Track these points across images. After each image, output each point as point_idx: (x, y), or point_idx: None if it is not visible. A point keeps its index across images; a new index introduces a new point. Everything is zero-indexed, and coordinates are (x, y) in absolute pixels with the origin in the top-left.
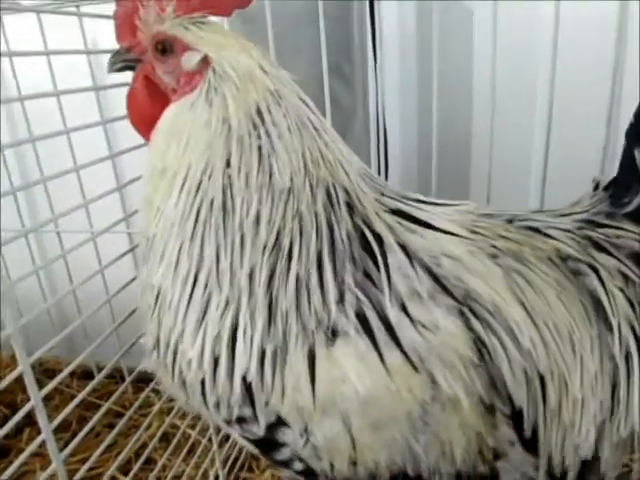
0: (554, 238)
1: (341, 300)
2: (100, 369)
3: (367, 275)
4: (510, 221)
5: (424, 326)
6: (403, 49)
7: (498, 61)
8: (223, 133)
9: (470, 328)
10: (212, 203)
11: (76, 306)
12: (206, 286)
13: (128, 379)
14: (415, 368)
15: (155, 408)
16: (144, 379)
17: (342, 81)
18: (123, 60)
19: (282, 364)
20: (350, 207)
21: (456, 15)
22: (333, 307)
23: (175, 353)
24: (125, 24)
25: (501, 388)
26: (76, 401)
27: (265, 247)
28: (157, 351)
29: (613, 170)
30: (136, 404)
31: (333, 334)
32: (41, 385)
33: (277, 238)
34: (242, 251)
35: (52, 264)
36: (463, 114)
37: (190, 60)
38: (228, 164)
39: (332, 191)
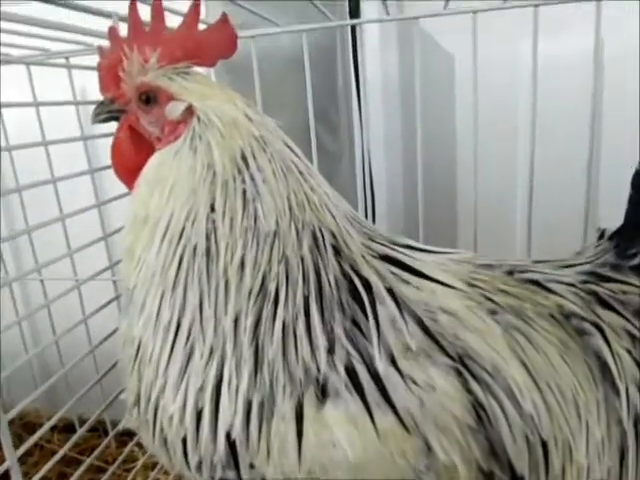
0: (556, 293)
1: (330, 352)
2: (82, 422)
3: (356, 324)
4: (510, 273)
5: (419, 386)
6: (387, 94)
7: (479, 105)
8: (207, 179)
9: (468, 390)
10: (195, 249)
11: (59, 357)
12: (189, 335)
13: (111, 433)
14: (409, 432)
15: (139, 463)
16: (128, 433)
17: (328, 127)
18: (107, 111)
19: (269, 417)
20: (337, 251)
21: (438, 60)
22: (322, 357)
23: (156, 409)
24: (109, 75)
25: (501, 454)
26: (57, 457)
27: (250, 292)
28: (138, 408)
29: (596, 216)
30: (119, 459)
31: (323, 393)
32: (20, 440)
33: (263, 283)
34: (227, 297)
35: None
36: (447, 158)
37: (174, 110)
38: (212, 209)
39: (318, 234)
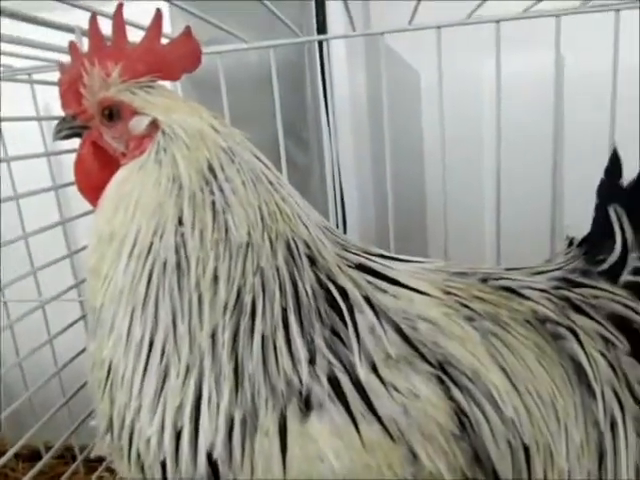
0: (531, 299)
1: (312, 362)
2: (49, 449)
3: (335, 333)
4: (484, 280)
5: (402, 394)
6: (355, 109)
7: (446, 119)
8: (173, 192)
9: (450, 397)
10: (165, 264)
11: (23, 380)
12: (163, 354)
13: (80, 458)
14: (394, 441)
15: None
16: (97, 458)
17: (297, 142)
18: (69, 127)
19: (252, 433)
20: (312, 261)
21: (404, 75)
22: (304, 368)
23: (131, 433)
24: (70, 91)
25: (485, 461)
26: None
27: (226, 306)
28: (111, 434)
29: (562, 224)
30: None
31: (306, 405)
32: None
33: (238, 296)
34: (201, 312)
35: None
36: (416, 171)
37: (138, 124)
38: (180, 222)
39: (292, 245)
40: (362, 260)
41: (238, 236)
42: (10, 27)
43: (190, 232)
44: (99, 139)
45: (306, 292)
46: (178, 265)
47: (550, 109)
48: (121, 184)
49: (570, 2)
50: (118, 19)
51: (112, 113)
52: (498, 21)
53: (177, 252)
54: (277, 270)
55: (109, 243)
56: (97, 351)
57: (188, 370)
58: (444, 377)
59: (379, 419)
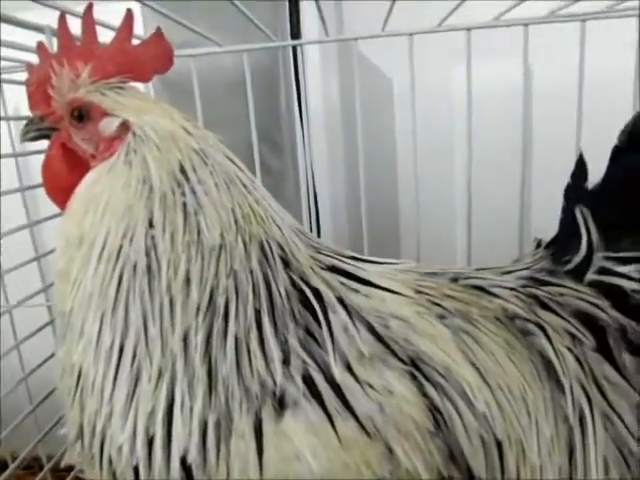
0: (500, 297)
1: (286, 362)
2: (15, 459)
3: (310, 333)
4: (454, 280)
5: (376, 390)
6: (328, 114)
7: (418, 126)
8: (143, 194)
9: (424, 394)
10: (135, 267)
11: None
12: (134, 358)
13: (46, 467)
14: (370, 438)
15: None
16: (66, 467)
17: (271, 146)
18: (37, 129)
19: (227, 436)
20: (285, 263)
21: (377, 82)
22: (277, 369)
23: (102, 441)
24: (38, 92)
25: (459, 458)
26: None
27: (199, 308)
28: (81, 442)
29: (530, 229)
30: None
31: (280, 405)
32: None
33: (211, 298)
34: (172, 315)
35: None
36: (389, 177)
37: (108, 126)
38: (150, 225)
39: (266, 246)
40: (335, 262)
41: (211, 238)
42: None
43: (161, 234)
44: (68, 141)
45: (279, 293)
46: (149, 268)
47: (519, 116)
48: (90, 186)
49: (540, 11)
50: (88, 19)
51: (82, 114)
52: (469, 29)
53: (148, 255)
54: (251, 272)
55: (78, 246)
56: (66, 357)
57: (160, 374)
58: (417, 373)
59: (355, 416)
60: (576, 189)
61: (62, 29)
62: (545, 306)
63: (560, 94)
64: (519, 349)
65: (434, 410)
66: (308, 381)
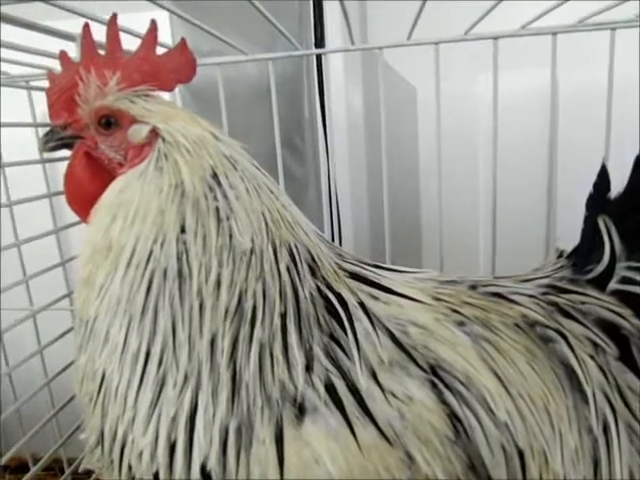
0: (520, 304)
1: (308, 369)
2: (36, 461)
3: (335, 340)
4: (473, 287)
5: (397, 397)
6: (351, 123)
7: (442, 134)
8: (176, 198)
9: (444, 401)
10: (165, 272)
11: (12, 390)
12: (160, 363)
13: (68, 471)
14: (391, 444)
15: None
16: (85, 471)
17: (294, 155)
18: (58, 138)
19: (247, 443)
20: (311, 269)
21: (401, 91)
22: (299, 375)
23: (123, 446)
24: (60, 100)
25: (479, 468)
26: None
27: (227, 313)
28: (101, 448)
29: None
30: None
31: (300, 411)
32: None
33: (239, 302)
34: (201, 319)
35: None
36: (411, 186)
37: (138, 132)
38: (182, 230)
39: (295, 252)
40: (357, 269)
41: (242, 242)
42: (9, 34)
43: (193, 239)
44: (93, 149)
45: (305, 299)
46: (180, 272)
47: (544, 125)
48: (120, 192)
49: (567, 20)
50: (113, 28)
51: (109, 122)
52: (496, 38)
53: (179, 259)
54: (279, 277)
55: (106, 253)
56: (88, 364)
57: (186, 379)
58: (436, 381)
59: (375, 423)
60: (598, 199)
61: (87, 38)
62: (566, 314)
63: (586, 102)
64: (540, 357)
65: (454, 418)
66: (329, 388)
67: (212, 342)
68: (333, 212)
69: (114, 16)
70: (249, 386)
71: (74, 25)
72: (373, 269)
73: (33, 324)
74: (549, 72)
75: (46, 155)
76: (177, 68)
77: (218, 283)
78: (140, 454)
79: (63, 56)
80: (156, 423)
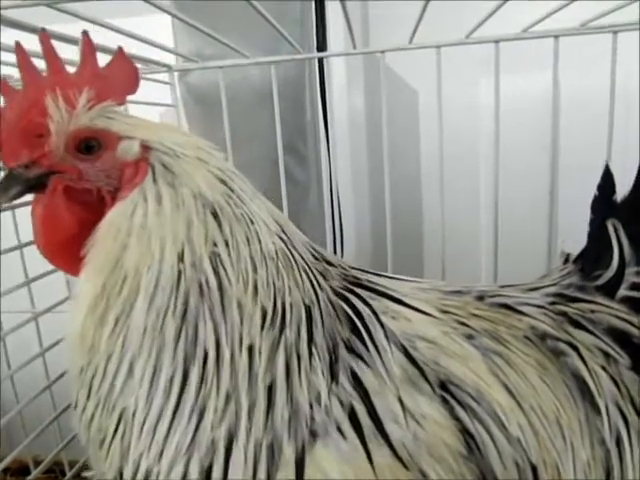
0: (528, 315)
1: (334, 381)
2: (38, 464)
3: (357, 355)
4: (480, 298)
5: (410, 414)
6: (353, 127)
7: (443, 139)
8: (199, 209)
9: (455, 417)
10: (201, 287)
11: (14, 393)
12: (200, 387)
13: (69, 474)
14: (405, 465)
15: None
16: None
17: (296, 158)
18: (25, 181)
19: (276, 464)
20: (324, 276)
21: (402, 95)
22: (323, 390)
23: None
24: (15, 137)
25: None
26: None
27: (264, 318)
28: None
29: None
30: None
31: (315, 431)
32: None
33: (274, 307)
34: (242, 329)
35: None
36: (413, 189)
37: (129, 149)
38: (214, 240)
39: (309, 255)
40: (362, 279)
41: (269, 245)
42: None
43: (225, 249)
44: (76, 181)
45: (325, 303)
46: (220, 285)
47: (546, 128)
48: (128, 217)
49: (569, 23)
50: (48, 44)
51: (90, 145)
52: (497, 41)
53: (216, 272)
54: (301, 281)
55: (119, 287)
56: (99, 407)
57: (227, 400)
58: (447, 397)
59: (389, 442)
60: (604, 201)
61: (50, 52)
62: (576, 323)
63: (587, 105)
64: (551, 369)
65: (466, 434)
66: (347, 407)
67: (250, 351)
68: (335, 216)
69: (44, 33)
70: (281, 399)
71: (74, 28)
72: (376, 278)
73: (35, 327)
74: (551, 75)
75: None
76: (123, 79)
77: (255, 290)
78: None
79: (4, 86)
80: (190, 453)
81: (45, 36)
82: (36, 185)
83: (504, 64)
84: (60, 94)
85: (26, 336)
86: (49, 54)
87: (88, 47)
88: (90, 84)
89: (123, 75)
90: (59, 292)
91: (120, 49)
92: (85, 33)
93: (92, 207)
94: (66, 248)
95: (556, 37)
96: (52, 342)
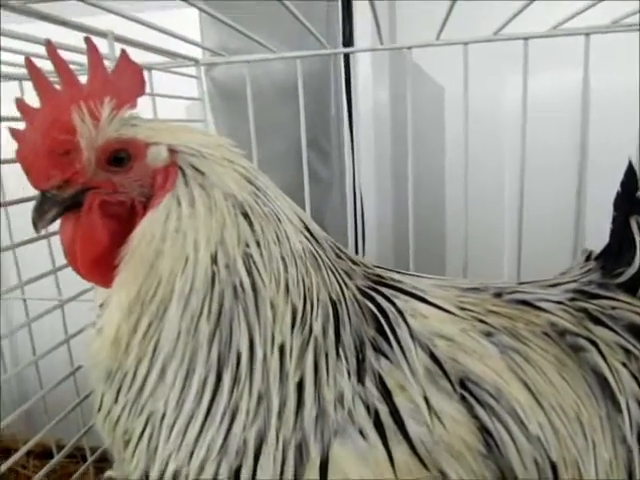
0: (547, 311)
1: (360, 381)
2: (60, 448)
3: (382, 354)
4: (498, 295)
5: (429, 412)
6: (378, 123)
7: (469, 135)
8: (231, 210)
9: (474, 416)
10: (235, 289)
11: (38, 379)
12: (232, 388)
13: (90, 459)
14: (423, 463)
15: None
16: (106, 459)
17: (319, 154)
18: (61, 202)
19: (304, 463)
20: (349, 275)
21: (428, 91)
22: (348, 390)
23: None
24: (42, 158)
25: None
26: None
27: (294, 317)
28: None
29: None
30: None
31: (337, 431)
32: None
33: (304, 305)
34: (274, 327)
35: (16, 333)
36: (436, 187)
37: (158, 155)
38: (246, 240)
39: (333, 254)
40: (383, 277)
41: (296, 244)
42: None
43: (256, 249)
44: (111, 194)
45: (352, 303)
46: (253, 285)
47: (574, 126)
48: (162, 224)
49: (599, 20)
50: (57, 57)
51: (120, 157)
52: (526, 38)
53: (249, 273)
54: (329, 278)
55: (152, 293)
56: (125, 411)
57: (259, 400)
58: (466, 395)
59: (408, 440)
60: (627, 198)
61: (61, 65)
62: (596, 320)
63: (615, 103)
64: (571, 366)
65: (485, 432)
66: (371, 408)
67: (281, 351)
68: (357, 212)
69: (50, 44)
70: (309, 399)
71: (103, 22)
72: (396, 276)
73: (61, 314)
74: (580, 73)
75: None
76: (131, 82)
77: (287, 289)
78: None
79: (20, 105)
80: (221, 455)
81: (52, 48)
82: (71, 205)
83: (533, 61)
84: (84, 107)
85: (51, 323)
86: (60, 66)
87: (94, 54)
88: (104, 92)
89: (131, 78)
90: (84, 281)
91: (123, 52)
92: (88, 39)
93: (123, 219)
94: (100, 263)
95: (587, 34)
96: (77, 330)
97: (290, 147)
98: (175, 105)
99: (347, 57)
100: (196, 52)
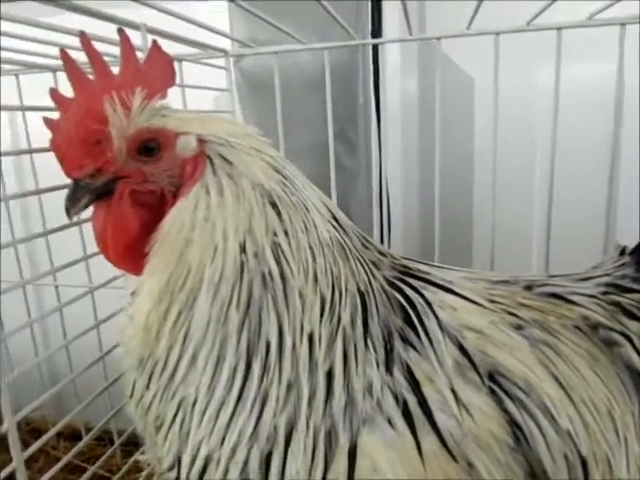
0: (580, 305)
1: (388, 371)
2: (89, 430)
3: (410, 345)
4: (528, 288)
5: (458, 404)
6: (405, 114)
7: (498, 127)
8: (259, 200)
9: (503, 409)
10: (264, 278)
11: (68, 363)
12: (263, 376)
13: (117, 442)
14: (452, 454)
15: (144, 473)
16: (133, 442)
17: (346, 145)
18: (93, 190)
19: (333, 451)
20: (376, 265)
21: (457, 82)
22: (377, 379)
23: (205, 466)
24: (75, 147)
25: (540, 475)
26: (61, 464)
27: (323, 305)
28: (177, 470)
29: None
30: (124, 469)
31: (367, 420)
32: (26, 445)
33: (332, 293)
34: (303, 316)
35: (48, 318)
36: (464, 178)
37: (187, 144)
38: (274, 229)
39: (359, 244)
40: (411, 268)
41: (324, 233)
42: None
43: (284, 238)
44: (141, 184)
45: (380, 293)
46: (282, 274)
47: (607, 118)
48: (191, 213)
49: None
50: (92, 49)
51: (150, 146)
52: (559, 28)
53: (278, 261)
54: (357, 268)
55: (182, 281)
56: (157, 397)
57: (289, 388)
58: (495, 387)
59: (437, 431)
60: None
61: (94, 55)
62: (630, 314)
63: None
64: (603, 361)
65: (514, 425)
66: (399, 397)
67: (310, 340)
68: (383, 204)
69: (84, 36)
70: (338, 386)
71: (136, 14)
72: (423, 267)
73: (91, 300)
74: (614, 65)
75: None
76: (162, 73)
77: (315, 278)
78: (226, 471)
79: (54, 94)
80: (252, 440)
81: (86, 39)
82: (102, 193)
83: (566, 52)
84: (116, 97)
85: (82, 309)
86: (93, 57)
87: (127, 45)
88: (136, 83)
89: (162, 69)
90: (114, 268)
91: (155, 42)
92: (121, 31)
93: (153, 208)
94: (131, 251)
95: (622, 25)
96: (106, 315)
97: (317, 138)
98: (204, 96)
99: (375, 48)
100: (225, 43)
